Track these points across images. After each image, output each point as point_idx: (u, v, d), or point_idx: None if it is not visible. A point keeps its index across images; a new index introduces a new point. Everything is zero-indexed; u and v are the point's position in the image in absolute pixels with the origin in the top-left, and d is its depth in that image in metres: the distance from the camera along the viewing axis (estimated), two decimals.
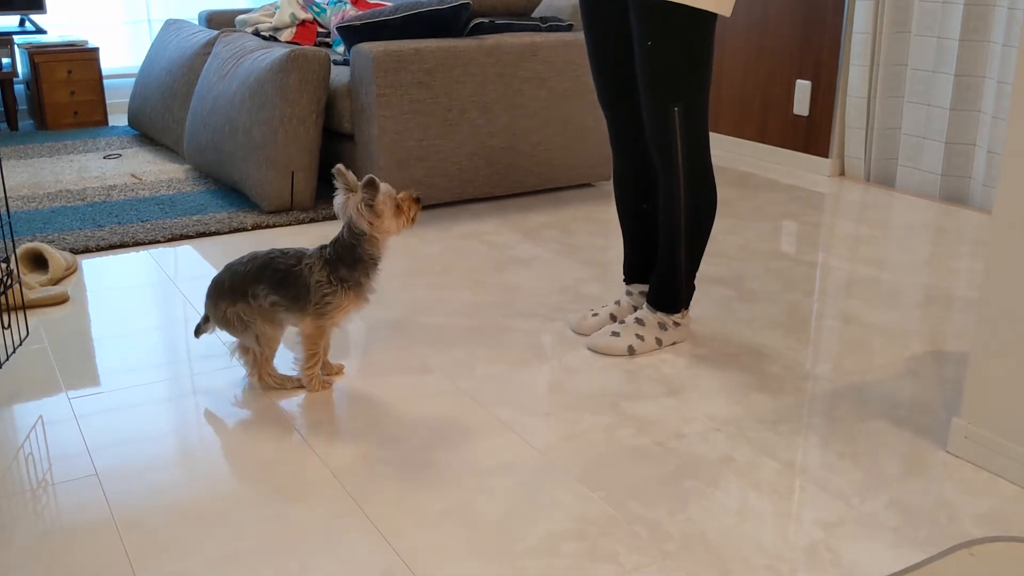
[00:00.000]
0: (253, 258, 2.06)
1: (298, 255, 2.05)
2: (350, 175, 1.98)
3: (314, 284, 2.01)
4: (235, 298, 2.04)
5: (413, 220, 2.06)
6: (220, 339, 2.38)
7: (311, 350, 2.08)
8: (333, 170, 2.00)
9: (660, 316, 2.33)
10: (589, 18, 2.26)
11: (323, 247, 2.05)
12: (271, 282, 2.02)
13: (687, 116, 2.13)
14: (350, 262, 2.02)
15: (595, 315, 2.44)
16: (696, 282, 2.75)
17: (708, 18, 2.07)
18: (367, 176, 1.98)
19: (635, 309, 2.43)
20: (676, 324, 2.34)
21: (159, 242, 3.14)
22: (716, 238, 3.22)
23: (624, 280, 2.49)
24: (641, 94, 2.17)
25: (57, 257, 2.80)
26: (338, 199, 2.01)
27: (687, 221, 2.21)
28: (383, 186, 2.00)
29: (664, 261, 2.28)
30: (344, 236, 2.03)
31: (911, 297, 2.69)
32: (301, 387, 2.13)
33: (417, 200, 2.06)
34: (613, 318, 2.43)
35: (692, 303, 2.61)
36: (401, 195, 2.05)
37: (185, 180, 3.87)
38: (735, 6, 2.45)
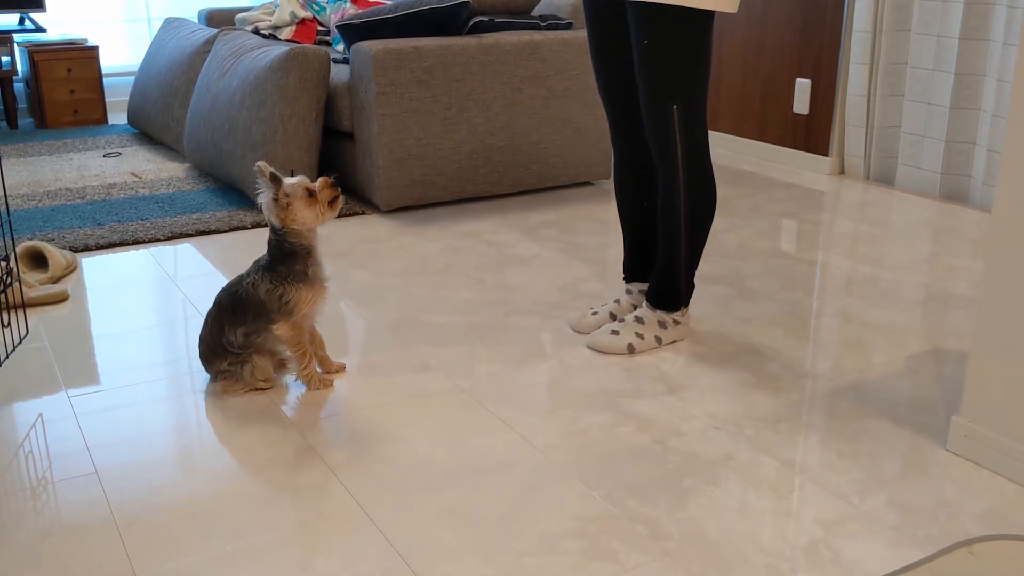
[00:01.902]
0: (208, 316, 2.10)
1: (237, 279, 2.08)
2: (268, 171, 1.97)
3: (264, 295, 2.02)
4: (218, 356, 2.08)
5: (332, 206, 2.03)
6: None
7: (298, 350, 2.08)
8: (255, 167, 1.99)
9: (660, 314, 2.33)
10: (591, 15, 2.26)
11: (258, 259, 2.08)
12: (230, 320, 2.05)
13: (685, 114, 2.12)
14: (283, 258, 2.03)
15: (595, 313, 2.44)
16: (696, 280, 2.76)
17: (705, 16, 2.07)
18: (270, 170, 1.97)
19: (635, 308, 2.43)
20: (676, 322, 2.34)
21: (159, 240, 3.14)
22: (716, 236, 3.22)
23: (624, 279, 2.49)
24: (639, 92, 2.17)
25: (57, 255, 2.80)
26: (259, 197, 2.02)
27: (687, 219, 2.21)
28: (293, 179, 2.01)
29: (664, 259, 2.28)
30: (271, 235, 2.05)
31: (911, 296, 2.69)
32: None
33: (334, 184, 2.04)
34: (613, 316, 2.43)
35: (692, 301, 2.61)
36: (317, 182, 2.04)
37: (185, 178, 3.87)
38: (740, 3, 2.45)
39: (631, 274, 2.46)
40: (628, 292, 2.46)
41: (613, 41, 2.24)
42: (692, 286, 2.34)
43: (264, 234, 3.26)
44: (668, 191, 2.20)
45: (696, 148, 2.17)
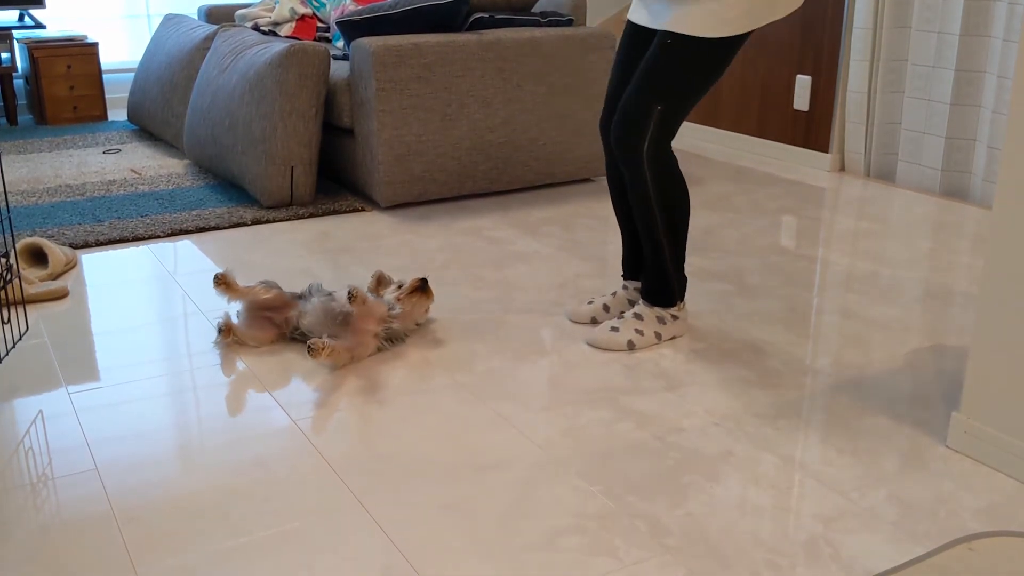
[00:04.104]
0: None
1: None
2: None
3: None
4: None
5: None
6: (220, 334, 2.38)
7: None
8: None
9: (657, 311, 2.33)
10: (628, 34, 2.29)
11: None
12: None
13: (663, 115, 2.14)
14: None
15: (590, 303, 2.46)
16: (695, 277, 2.76)
17: (732, 43, 2.10)
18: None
19: (631, 303, 2.44)
20: (674, 317, 2.34)
21: (158, 237, 3.14)
22: (715, 232, 3.22)
23: (623, 276, 2.49)
24: (634, 77, 2.17)
25: (57, 252, 2.80)
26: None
27: (661, 212, 2.21)
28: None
29: (650, 257, 2.28)
30: None
31: (911, 292, 2.69)
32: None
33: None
34: (606, 308, 2.44)
35: (691, 298, 2.61)
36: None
37: (184, 175, 3.87)
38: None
39: (629, 272, 2.47)
40: (625, 288, 2.47)
41: (638, 59, 2.25)
42: (684, 279, 2.33)
43: (264, 231, 3.27)
44: (637, 190, 2.21)
45: (661, 146, 2.16)
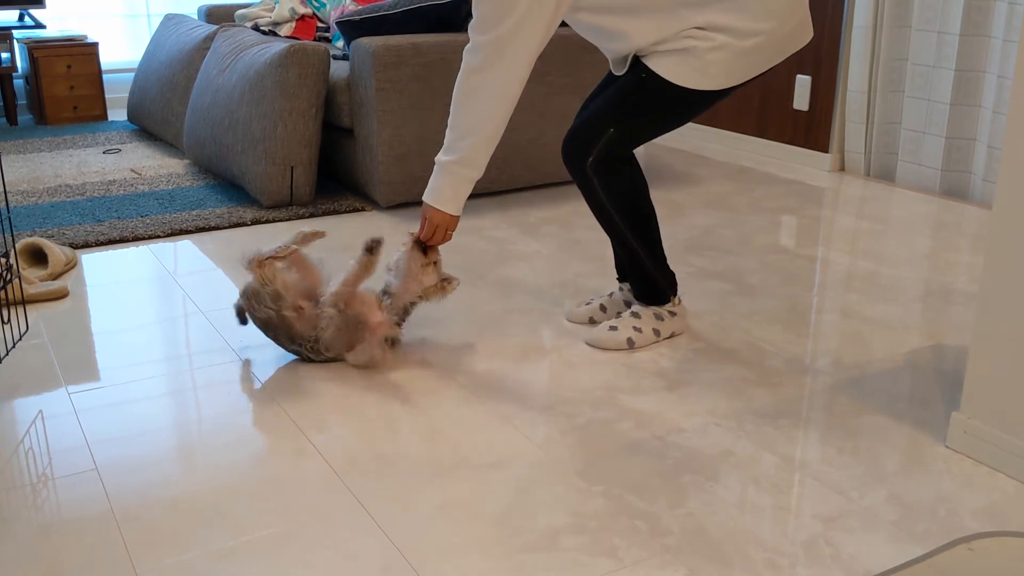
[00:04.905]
0: None
1: None
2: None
3: None
4: None
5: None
6: (220, 333, 2.38)
7: None
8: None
9: (654, 308, 2.33)
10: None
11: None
12: None
13: (617, 137, 2.13)
14: None
15: (587, 304, 2.46)
16: (694, 277, 2.76)
17: (704, 96, 2.10)
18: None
19: (627, 304, 2.44)
20: (671, 314, 2.34)
21: (158, 237, 3.14)
22: (714, 232, 3.22)
23: (617, 278, 2.50)
24: (604, 94, 2.17)
25: (56, 252, 2.80)
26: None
27: (621, 216, 2.19)
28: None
29: (628, 261, 2.28)
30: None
31: (911, 291, 2.69)
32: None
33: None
34: (603, 308, 2.44)
35: (690, 298, 2.61)
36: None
37: (184, 175, 3.87)
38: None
39: (622, 273, 2.48)
40: (620, 290, 2.47)
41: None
42: (671, 274, 2.32)
43: (264, 230, 3.27)
44: (590, 198, 2.20)
45: (607, 160, 2.15)
